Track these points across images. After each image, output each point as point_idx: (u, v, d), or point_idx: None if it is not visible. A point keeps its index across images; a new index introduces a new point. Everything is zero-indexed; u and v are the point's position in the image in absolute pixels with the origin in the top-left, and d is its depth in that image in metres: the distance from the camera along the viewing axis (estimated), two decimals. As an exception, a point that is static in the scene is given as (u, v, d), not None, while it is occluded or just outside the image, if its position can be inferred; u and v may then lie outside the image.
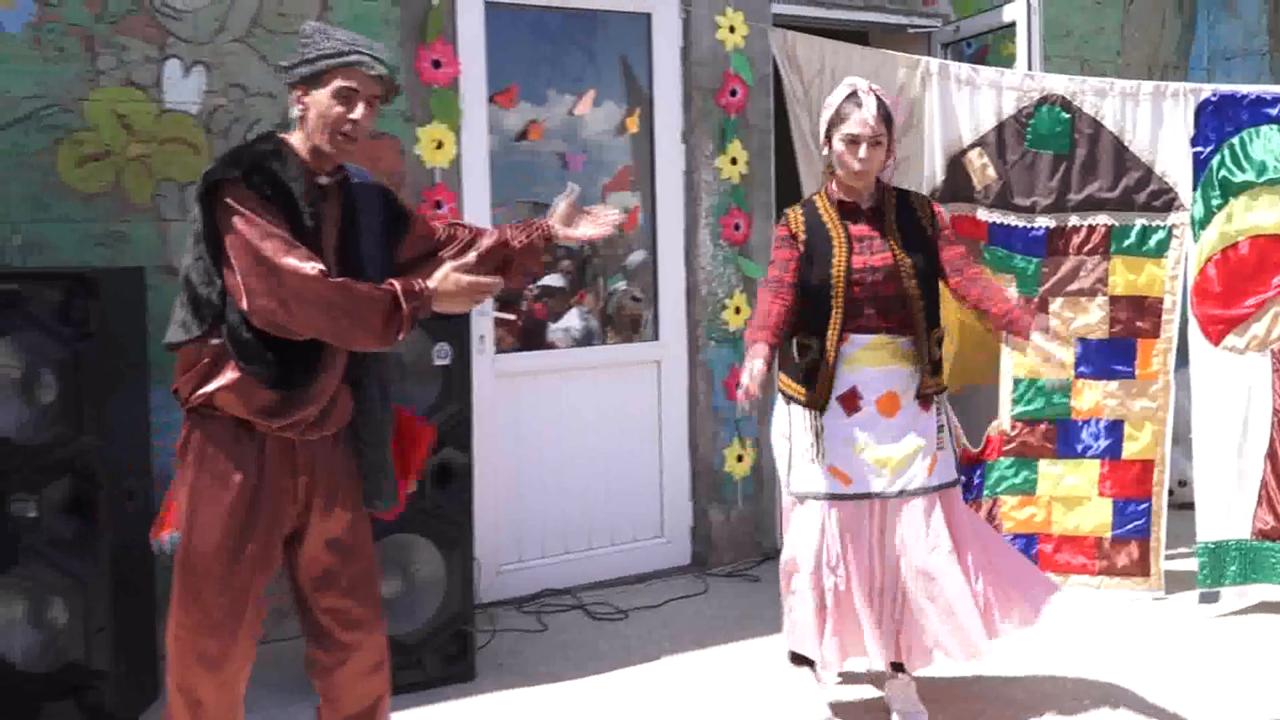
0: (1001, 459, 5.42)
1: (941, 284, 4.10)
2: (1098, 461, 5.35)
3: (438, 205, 5.30)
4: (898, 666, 4.08)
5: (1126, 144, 5.41)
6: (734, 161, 6.03)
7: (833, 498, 3.95)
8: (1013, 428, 5.41)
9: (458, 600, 4.61)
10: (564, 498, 5.79)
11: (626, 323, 6.13)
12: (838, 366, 3.98)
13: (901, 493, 3.93)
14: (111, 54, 4.72)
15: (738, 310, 6.06)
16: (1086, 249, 5.39)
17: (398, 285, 3.03)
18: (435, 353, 4.53)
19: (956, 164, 5.50)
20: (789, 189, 6.15)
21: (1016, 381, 5.41)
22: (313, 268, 2.97)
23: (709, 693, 4.52)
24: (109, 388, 4.17)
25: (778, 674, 4.58)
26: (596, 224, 3.62)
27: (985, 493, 5.43)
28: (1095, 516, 5.38)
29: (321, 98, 3.12)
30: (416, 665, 4.55)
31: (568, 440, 5.79)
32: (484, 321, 5.43)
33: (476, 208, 5.48)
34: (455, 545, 4.61)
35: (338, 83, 3.12)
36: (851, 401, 3.98)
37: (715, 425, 6.07)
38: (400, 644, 4.49)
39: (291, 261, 2.96)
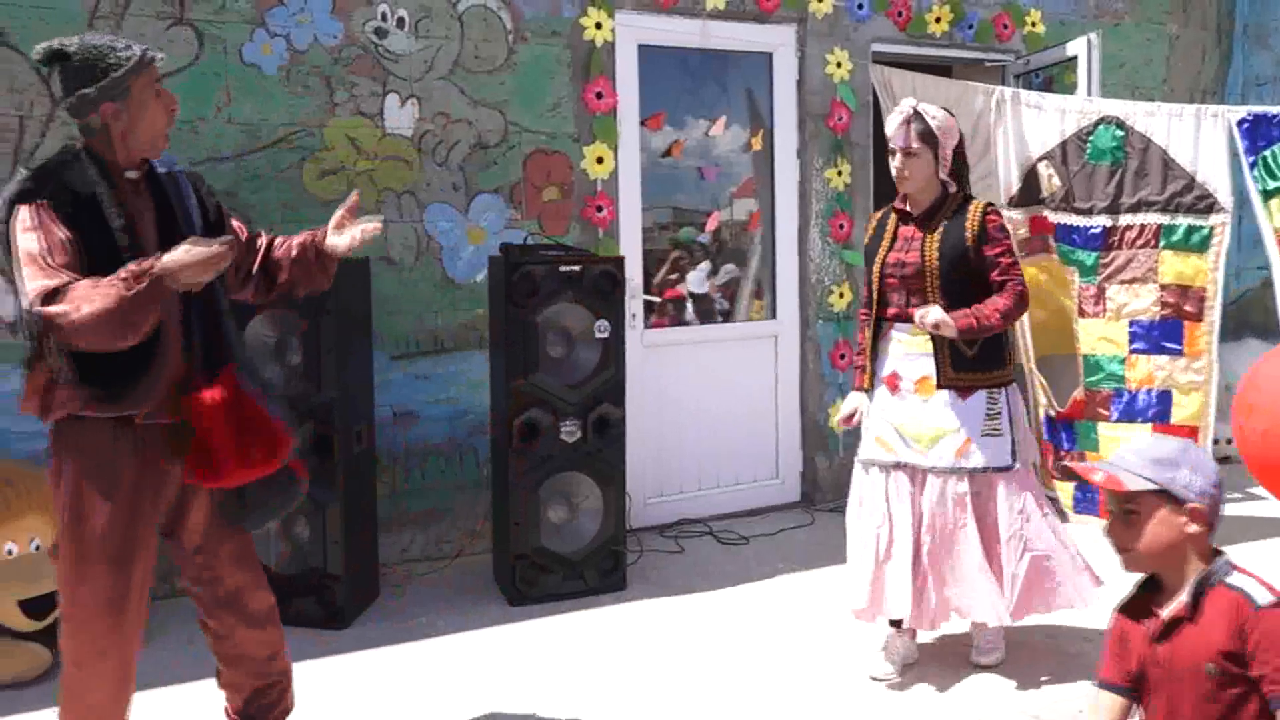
0: (1085, 420, 5.26)
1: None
2: (1149, 425, 5.12)
3: (598, 209, 5.30)
4: None
5: (1172, 157, 5.17)
6: (839, 173, 5.91)
7: (878, 464, 3.72)
8: (1085, 395, 5.25)
9: (612, 526, 4.60)
10: (698, 445, 5.74)
11: (742, 305, 6.06)
12: (879, 350, 3.78)
13: (932, 469, 3.62)
14: (345, 90, 4.79)
15: (841, 295, 5.94)
16: (1139, 243, 5.18)
17: (123, 272, 2.51)
18: (597, 328, 4.52)
19: (1029, 174, 5.33)
20: (884, 195, 6.03)
21: (1085, 357, 5.24)
22: (47, 289, 2.50)
23: (814, 605, 4.46)
24: (342, 353, 4.24)
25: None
26: (353, 234, 3.00)
27: (1076, 446, 5.28)
28: (1147, 473, 5.18)
29: (136, 106, 2.69)
30: (579, 577, 4.55)
31: (702, 399, 5.73)
32: (635, 303, 5.41)
33: (630, 211, 5.46)
34: (611, 482, 4.60)
35: (145, 86, 2.70)
36: (893, 383, 3.73)
37: (821, 388, 5.97)
38: (566, 560, 4.52)
39: (33, 286, 2.52)
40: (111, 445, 2.70)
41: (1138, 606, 2.34)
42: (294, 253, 3.05)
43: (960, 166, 3.78)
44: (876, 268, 3.76)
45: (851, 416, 3.84)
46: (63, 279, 2.53)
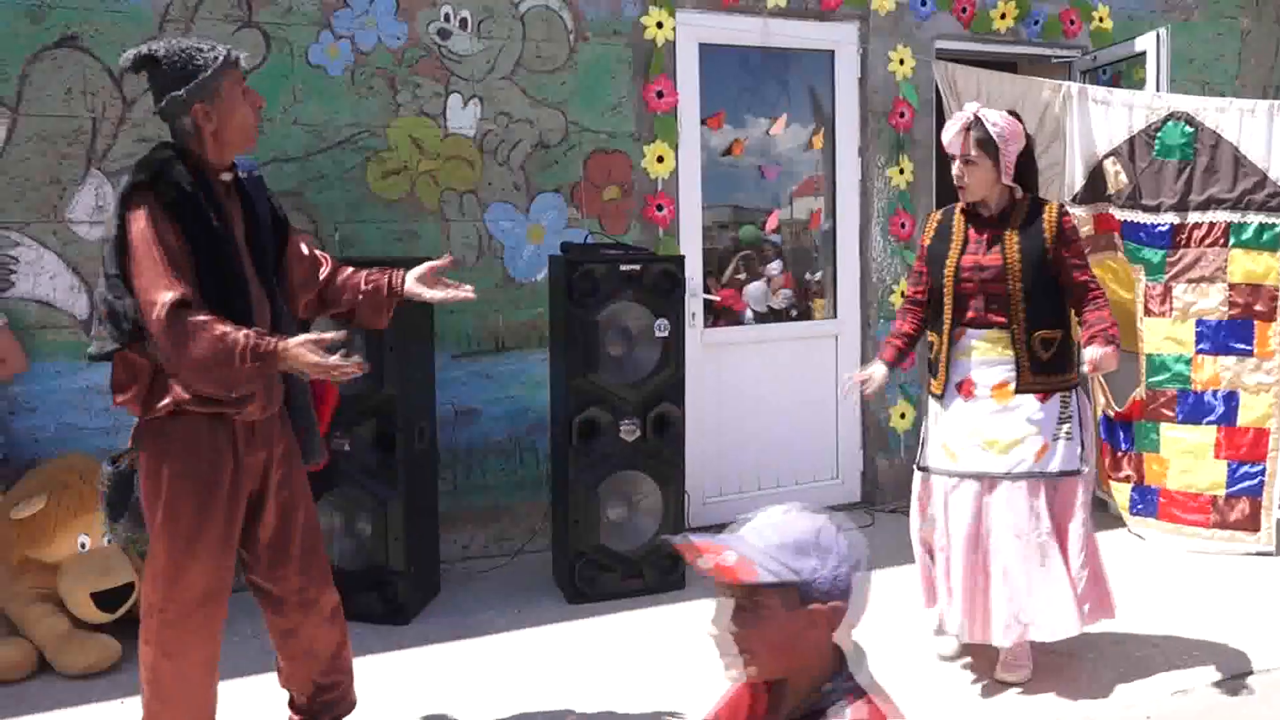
0: (1145, 421, 5.14)
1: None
2: (1214, 427, 4.97)
3: (659, 208, 5.28)
4: None
5: (1244, 154, 5.03)
6: (902, 171, 5.84)
7: (946, 473, 3.67)
8: (1148, 395, 5.13)
9: (672, 524, 4.57)
10: (758, 444, 5.69)
11: (793, 304, 6.01)
12: (953, 356, 3.71)
13: (1008, 474, 3.56)
14: (408, 90, 4.82)
15: (903, 294, 5.85)
16: (1207, 242, 5.04)
17: (247, 340, 2.57)
18: (656, 326, 4.50)
19: (1095, 171, 5.22)
20: (946, 194, 5.94)
21: (1149, 357, 5.12)
22: (168, 301, 2.54)
23: (874, 606, 4.39)
24: (404, 351, 4.26)
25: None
26: (445, 291, 3.10)
27: (1134, 448, 5.17)
28: (1210, 476, 5.00)
29: (226, 106, 2.72)
30: (638, 576, 4.54)
31: (761, 398, 5.69)
32: (695, 302, 5.39)
33: (690, 210, 5.43)
34: (670, 480, 4.58)
35: (232, 85, 2.73)
36: (968, 389, 3.66)
37: (883, 388, 5.90)
38: (626, 558, 4.51)
39: (157, 295, 2.55)
40: (210, 439, 2.75)
41: (768, 699, 1.91)
42: (366, 287, 3.09)
43: (1027, 170, 3.70)
44: (950, 271, 3.69)
45: (866, 382, 3.79)
46: (185, 292, 2.58)
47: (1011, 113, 3.72)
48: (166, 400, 2.69)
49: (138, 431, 2.77)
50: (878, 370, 3.82)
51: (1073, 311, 3.72)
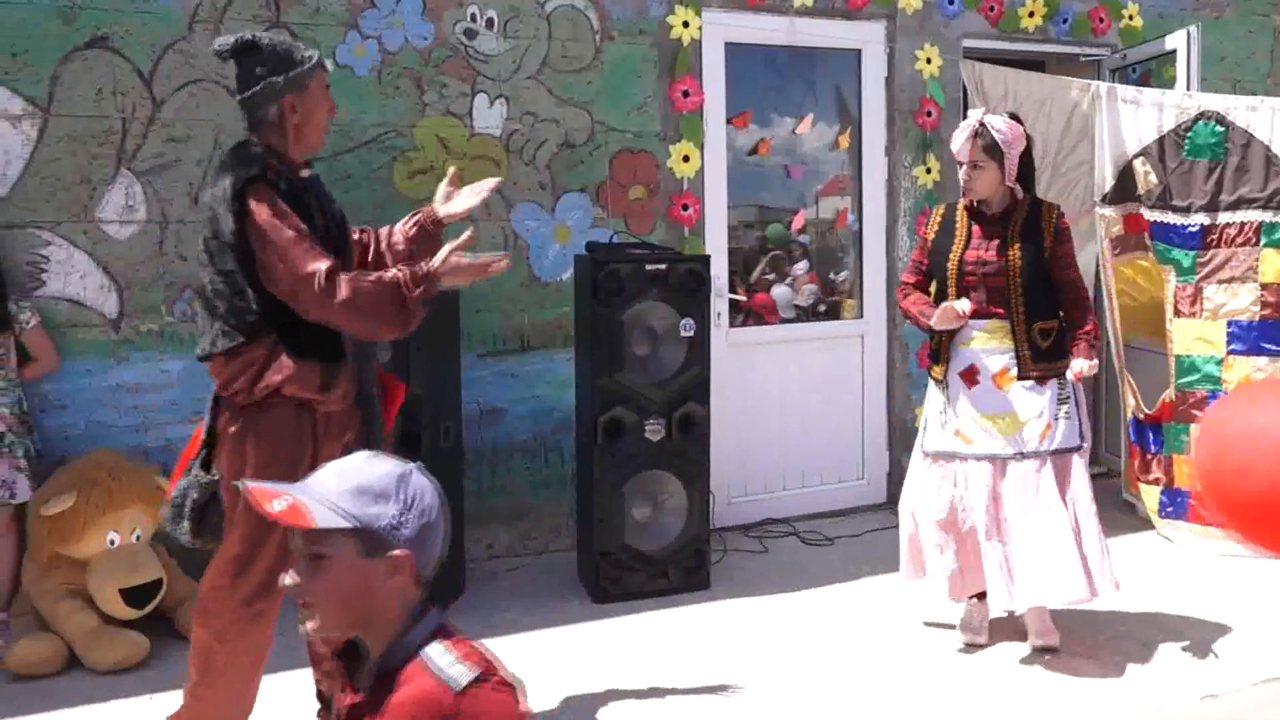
0: (1175, 423, 5.09)
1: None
2: (1245, 427, 4.94)
3: (684, 208, 5.27)
4: None
5: (1275, 153, 4.98)
6: (929, 170, 5.81)
7: (957, 456, 3.88)
8: (1177, 396, 5.08)
9: (696, 525, 4.57)
10: (783, 444, 5.67)
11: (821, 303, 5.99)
12: (955, 346, 3.90)
13: (1016, 455, 3.78)
14: (434, 90, 4.82)
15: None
16: (1239, 241, 4.99)
17: (403, 273, 2.72)
18: (681, 326, 4.49)
19: (1125, 171, 5.18)
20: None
21: (1178, 358, 5.07)
22: (323, 270, 2.65)
23: (898, 607, 4.38)
24: (430, 350, 4.26)
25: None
26: (472, 193, 3.21)
27: (1164, 450, 5.12)
28: (1240, 477, 4.96)
29: (311, 101, 2.86)
30: (663, 575, 4.53)
31: (787, 398, 5.67)
32: (720, 302, 5.37)
33: (716, 210, 5.42)
34: (695, 480, 4.57)
35: (319, 84, 2.87)
36: (971, 376, 3.87)
37: (909, 388, 5.87)
38: (651, 558, 4.50)
39: (310, 268, 2.66)
40: (295, 429, 2.83)
41: (345, 670, 1.80)
42: (412, 232, 3.19)
43: (1026, 170, 3.90)
44: (953, 265, 3.87)
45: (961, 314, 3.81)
46: (334, 260, 2.72)
47: (1012, 115, 3.91)
48: (264, 384, 2.76)
49: (228, 418, 2.82)
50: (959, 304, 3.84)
51: (1062, 307, 3.89)
